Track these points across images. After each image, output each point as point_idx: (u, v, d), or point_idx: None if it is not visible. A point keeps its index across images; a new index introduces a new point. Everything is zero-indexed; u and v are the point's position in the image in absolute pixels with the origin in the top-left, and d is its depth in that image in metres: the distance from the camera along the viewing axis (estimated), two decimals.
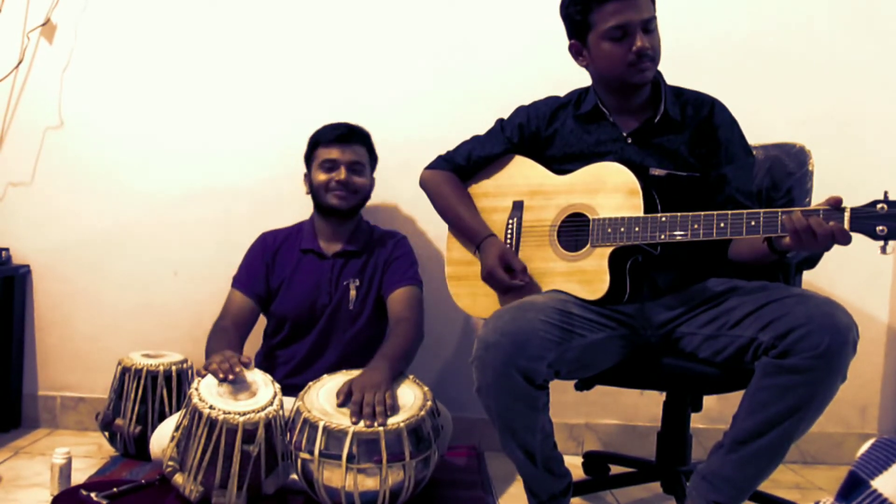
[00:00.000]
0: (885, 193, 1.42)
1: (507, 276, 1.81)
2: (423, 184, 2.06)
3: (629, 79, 1.77)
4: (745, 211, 1.55)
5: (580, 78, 1.94)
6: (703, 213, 1.60)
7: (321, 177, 2.22)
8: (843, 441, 2.49)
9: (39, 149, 2.58)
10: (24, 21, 2.54)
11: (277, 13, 2.52)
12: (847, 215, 1.44)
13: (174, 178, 2.56)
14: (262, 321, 2.32)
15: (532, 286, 1.82)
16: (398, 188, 2.48)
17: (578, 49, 1.84)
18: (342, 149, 2.22)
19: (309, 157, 2.28)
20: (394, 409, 1.85)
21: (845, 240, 1.45)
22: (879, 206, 1.42)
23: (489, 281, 1.86)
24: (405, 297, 2.20)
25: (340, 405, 1.86)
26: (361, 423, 1.78)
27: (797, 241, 1.47)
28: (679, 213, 1.63)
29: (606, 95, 1.87)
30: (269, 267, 2.27)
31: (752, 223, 1.54)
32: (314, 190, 2.25)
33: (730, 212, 1.57)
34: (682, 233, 1.62)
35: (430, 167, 2.06)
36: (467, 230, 1.96)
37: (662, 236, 1.65)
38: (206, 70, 2.54)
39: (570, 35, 1.85)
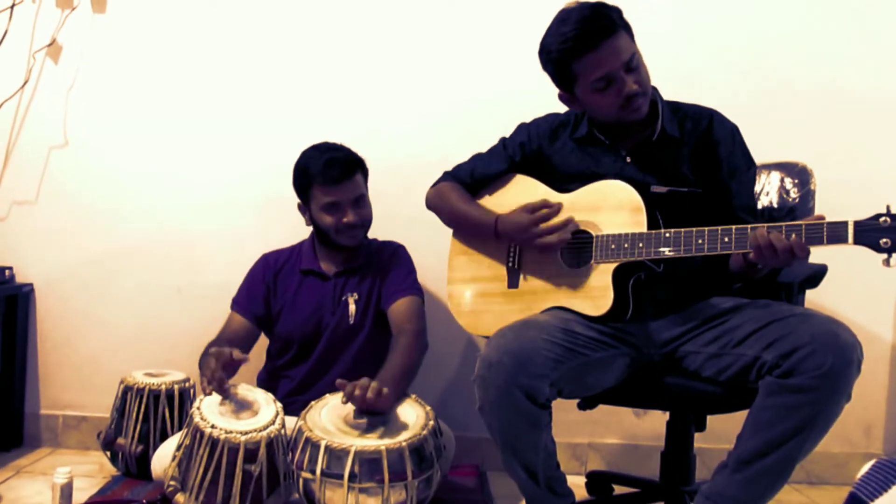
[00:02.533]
0: (888, 207, 1.44)
1: (544, 213, 1.79)
2: (429, 199, 2.05)
3: (623, 118, 1.77)
4: (720, 227, 1.58)
5: None
6: (707, 228, 1.61)
7: (327, 219, 2.15)
8: (849, 461, 2.47)
9: (44, 168, 2.60)
10: (31, 41, 2.57)
11: (285, 34, 2.54)
12: (851, 229, 1.45)
13: (178, 197, 2.58)
14: (263, 340, 2.33)
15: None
16: (401, 209, 2.48)
17: (569, 99, 1.83)
18: (342, 188, 2.12)
19: (303, 192, 2.20)
20: (386, 413, 1.87)
21: (804, 253, 1.49)
22: (882, 219, 1.43)
23: (527, 233, 1.80)
24: (405, 307, 2.17)
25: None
26: (364, 442, 1.78)
27: (759, 255, 1.52)
28: (683, 229, 1.64)
29: (601, 126, 1.87)
30: (270, 289, 2.26)
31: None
32: (321, 230, 2.18)
33: (734, 226, 1.58)
34: (686, 248, 1.63)
35: (434, 184, 2.06)
36: (478, 222, 1.93)
37: (667, 252, 1.65)
38: (212, 89, 2.56)
39: (557, 86, 1.83)
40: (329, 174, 2.11)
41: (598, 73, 1.69)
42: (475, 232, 1.97)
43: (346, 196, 2.13)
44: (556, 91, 1.84)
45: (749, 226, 1.54)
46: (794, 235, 1.48)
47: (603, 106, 1.76)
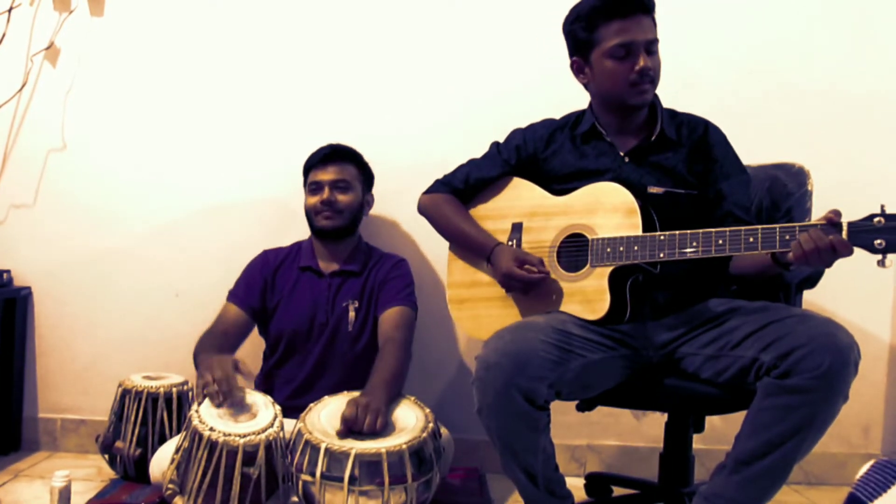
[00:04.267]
0: (882, 207, 1.43)
1: (526, 272, 1.79)
2: (423, 208, 2.06)
3: (629, 99, 1.78)
4: (742, 228, 1.56)
5: (582, 106, 1.96)
6: (701, 230, 1.61)
7: (310, 200, 2.26)
8: (847, 461, 2.47)
9: (42, 171, 2.59)
10: (28, 44, 2.56)
11: (283, 38, 2.54)
12: (845, 230, 1.44)
13: (177, 201, 2.57)
14: (261, 344, 2.33)
15: (542, 296, 1.81)
16: (398, 213, 2.48)
17: (580, 66, 1.86)
18: (325, 169, 2.25)
19: (305, 183, 2.31)
20: (385, 429, 1.85)
21: (847, 251, 1.45)
22: (877, 219, 1.42)
23: (508, 284, 1.84)
24: (395, 316, 2.18)
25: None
26: (363, 445, 1.78)
27: (802, 258, 1.47)
28: (678, 232, 1.64)
29: (604, 115, 1.88)
30: (268, 283, 2.28)
31: (751, 239, 1.54)
32: (307, 214, 2.28)
33: (728, 229, 1.58)
34: (681, 251, 1.63)
35: (428, 191, 2.06)
36: (474, 244, 1.95)
37: (662, 255, 1.65)
38: (210, 93, 2.56)
39: (573, 52, 1.86)
40: (317, 156, 2.28)
41: (621, 39, 1.73)
42: (469, 249, 1.98)
43: (328, 176, 2.24)
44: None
45: (778, 226, 1.51)
46: (831, 235, 1.44)
47: (615, 76, 1.77)
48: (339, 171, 2.25)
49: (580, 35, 1.81)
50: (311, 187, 2.26)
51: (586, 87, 1.90)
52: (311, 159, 2.29)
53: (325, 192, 2.22)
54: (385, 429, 1.86)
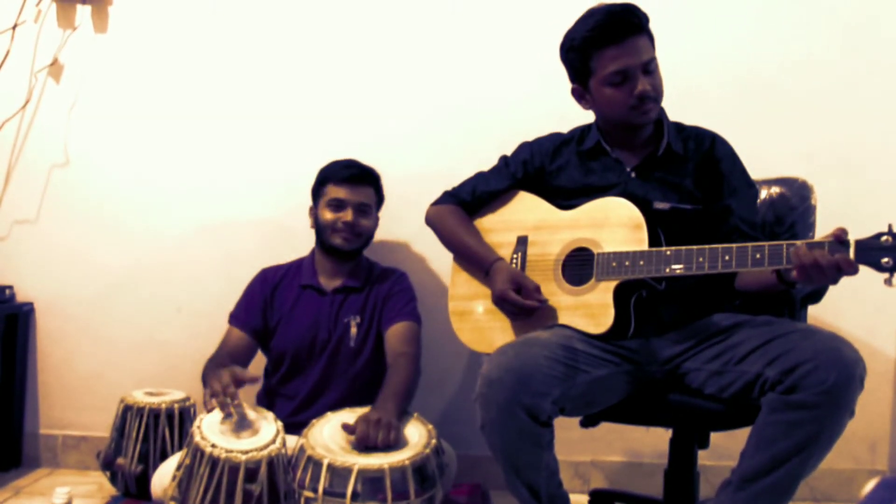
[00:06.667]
0: (890, 226, 1.42)
1: (519, 297, 1.79)
2: (429, 219, 2.06)
3: (633, 121, 1.79)
4: (749, 244, 1.55)
5: (584, 116, 1.96)
6: (707, 246, 1.60)
7: (328, 215, 2.21)
8: (854, 477, 2.45)
9: (45, 187, 2.60)
10: (32, 61, 2.58)
11: (282, 50, 2.55)
12: (852, 248, 1.44)
13: (178, 216, 2.58)
14: (262, 359, 2.32)
15: (545, 308, 1.80)
16: (402, 224, 2.48)
17: (581, 93, 1.86)
18: (352, 189, 2.21)
19: (317, 193, 2.27)
20: (398, 443, 1.84)
21: (852, 270, 1.44)
22: (884, 238, 1.42)
23: (500, 305, 1.84)
24: (403, 332, 2.18)
25: (346, 430, 1.86)
26: (366, 461, 1.77)
27: (804, 274, 1.47)
28: (684, 247, 1.63)
29: (609, 133, 1.88)
30: (268, 302, 2.27)
31: (758, 256, 1.54)
32: (320, 227, 2.25)
33: (735, 245, 1.57)
34: (687, 266, 1.62)
35: (435, 203, 2.06)
36: (475, 257, 1.94)
37: (667, 270, 1.65)
38: (212, 107, 2.57)
39: (572, 79, 1.87)
40: (344, 173, 2.24)
41: (616, 67, 1.72)
42: (470, 261, 1.98)
43: (353, 198, 2.21)
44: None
45: (785, 242, 1.51)
46: (837, 254, 1.43)
47: (614, 102, 1.77)
48: (365, 195, 2.23)
49: (576, 65, 1.81)
50: (333, 203, 2.21)
51: (590, 109, 1.90)
52: (334, 173, 2.24)
53: (349, 214, 2.19)
54: (397, 442, 1.86)
